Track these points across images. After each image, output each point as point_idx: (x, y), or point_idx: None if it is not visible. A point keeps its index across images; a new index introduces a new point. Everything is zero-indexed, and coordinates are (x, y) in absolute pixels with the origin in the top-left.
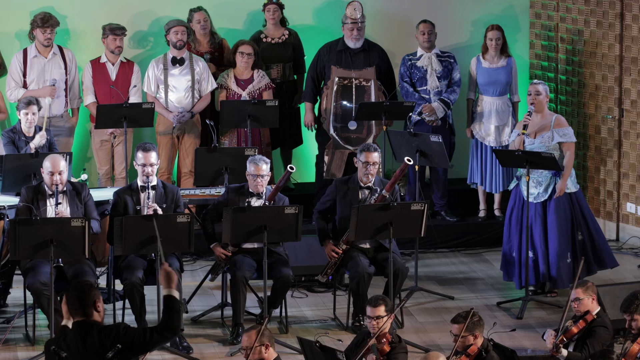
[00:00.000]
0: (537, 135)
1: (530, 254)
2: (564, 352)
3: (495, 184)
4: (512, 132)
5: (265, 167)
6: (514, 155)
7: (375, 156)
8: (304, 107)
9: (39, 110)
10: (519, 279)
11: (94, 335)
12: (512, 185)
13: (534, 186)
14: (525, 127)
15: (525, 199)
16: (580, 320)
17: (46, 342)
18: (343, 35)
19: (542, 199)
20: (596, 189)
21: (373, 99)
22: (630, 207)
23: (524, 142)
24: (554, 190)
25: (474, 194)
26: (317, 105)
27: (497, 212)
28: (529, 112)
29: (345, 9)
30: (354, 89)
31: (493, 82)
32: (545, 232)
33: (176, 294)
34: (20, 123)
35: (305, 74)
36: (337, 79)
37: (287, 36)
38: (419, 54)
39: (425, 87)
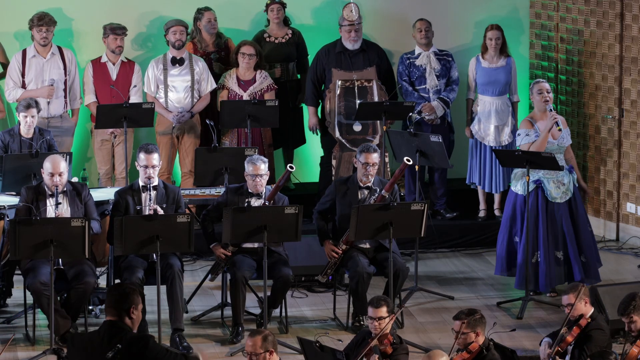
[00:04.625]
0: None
1: (559, 254)
2: None
3: (495, 184)
4: (511, 132)
5: (263, 167)
6: (514, 155)
7: (375, 157)
8: (307, 111)
9: (38, 112)
10: (546, 283)
11: (121, 340)
12: (529, 187)
13: (556, 186)
14: (557, 123)
15: (552, 200)
16: (575, 327)
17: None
18: (340, 36)
19: (568, 197)
20: (596, 189)
21: (376, 99)
22: (630, 207)
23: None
24: (574, 187)
25: (473, 194)
26: (320, 108)
27: (497, 212)
28: (551, 109)
29: (342, 11)
30: (356, 90)
31: (492, 82)
32: (574, 229)
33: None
34: (19, 125)
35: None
36: (339, 81)
37: (290, 35)
38: (416, 53)
39: (424, 86)
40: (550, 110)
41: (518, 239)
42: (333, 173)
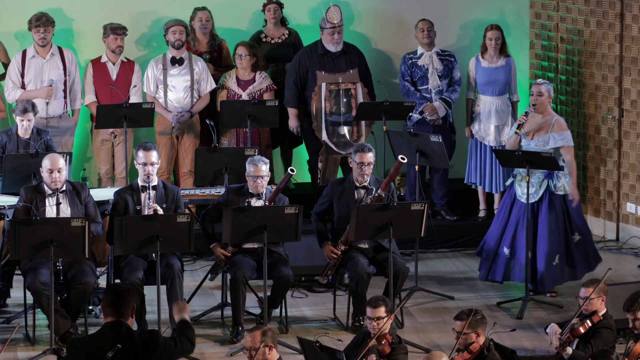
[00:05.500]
0: (534, 136)
1: (506, 251)
2: (569, 350)
3: (495, 184)
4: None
5: (264, 168)
6: (514, 155)
7: (370, 156)
8: (289, 113)
9: (35, 114)
10: (485, 272)
11: (129, 339)
12: (508, 182)
13: (525, 186)
14: (519, 126)
15: (519, 198)
16: (587, 321)
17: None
18: (320, 38)
19: (533, 200)
20: (596, 189)
21: (361, 101)
22: (630, 207)
23: (520, 141)
24: (545, 192)
25: (474, 194)
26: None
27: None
28: (526, 112)
29: (325, 14)
30: (341, 93)
31: (492, 81)
32: (534, 232)
33: (188, 318)
34: (17, 126)
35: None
36: (324, 84)
37: (287, 36)
38: (419, 53)
39: (426, 86)
40: (526, 113)
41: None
42: (319, 176)
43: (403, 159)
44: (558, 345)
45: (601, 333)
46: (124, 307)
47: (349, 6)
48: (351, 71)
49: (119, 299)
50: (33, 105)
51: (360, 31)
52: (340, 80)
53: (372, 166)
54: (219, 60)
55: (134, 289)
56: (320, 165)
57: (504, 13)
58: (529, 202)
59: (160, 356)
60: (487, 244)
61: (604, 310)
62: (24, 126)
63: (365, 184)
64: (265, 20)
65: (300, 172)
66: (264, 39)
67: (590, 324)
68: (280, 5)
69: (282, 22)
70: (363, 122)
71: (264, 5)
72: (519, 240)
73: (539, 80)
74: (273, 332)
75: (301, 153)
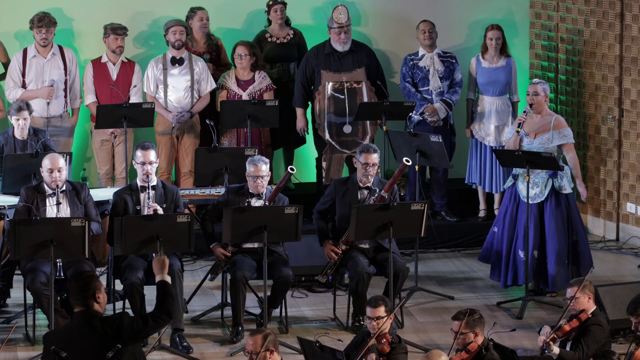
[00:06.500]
0: (536, 135)
1: (521, 254)
2: (556, 350)
3: (495, 184)
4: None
5: (264, 168)
6: (514, 155)
7: (375, 157)
8: (297, 113)
9: (30, 114)
10: (504, 278)
11: (97, 325)
12: (508, 184)
13: (530, 187)
14: (520, 125)
15: (523, 199)
16: (574, 319)
17: (45, 334)
18: (329, 38)
19: (539, 200)
20: (596, 189)
21: (365, 101)
22: (630, 207)
23: (521, 141)
24: (550, 191)
25: (474, 194)
26: (310, 110)
27: (497, 212)
28: (525, 111)
29: (331, 13)
30: (345, 92)
31: (493, 81)
32: (541, 233)
33: (168, 279)
34: (13, 128)
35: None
36: (328, 83)
37: (292, 36)
38: (420, 54)
39: (427, 88)
40: (525, 112)
41: (495, 229)
42: (323, 175)
43: (408, 161)
44: (541, 346)
45: (591, 330)
46: (83, 296)
47: (353, 5)
48: (357, 70)
49: (76, 289)
50: (28, 104)
51: (361, 31)
52: (344, 80)
53: (376, 167)
54: (217, 59)
55: (94, 275)
56: (324, 164)
57: (505, 13)
58: (536, 202)
59: (129, 337)
60: (497, 248)
61: (593, 308)
62: (20, 125)
63: (369, 184)
64: (269, 21)
65: (303, 172)
66: (269, 39)
67: (577, 323)
68: (285, 5)
69: (286, 22)
70: (368, 121)
71: (269, 6)
72: (530, 241)
73: (535, 80)
74: (275, 335)
75: (303, 153)
